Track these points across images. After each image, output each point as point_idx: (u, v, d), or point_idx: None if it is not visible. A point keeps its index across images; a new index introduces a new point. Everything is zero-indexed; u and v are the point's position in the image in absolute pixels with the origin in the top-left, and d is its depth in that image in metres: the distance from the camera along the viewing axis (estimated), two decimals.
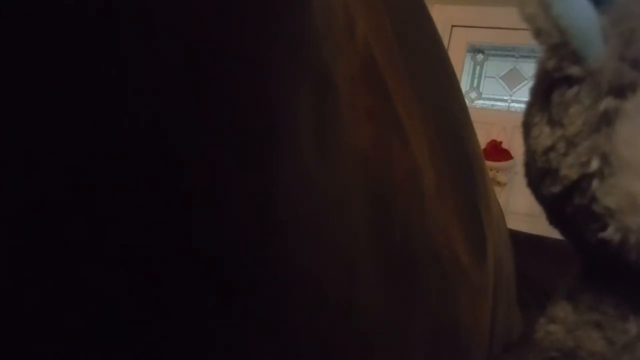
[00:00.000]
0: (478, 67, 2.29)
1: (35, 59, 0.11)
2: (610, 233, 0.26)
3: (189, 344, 0.15)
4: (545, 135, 0.28)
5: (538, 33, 0.27)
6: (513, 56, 2.20)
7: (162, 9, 0.13)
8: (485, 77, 2.28)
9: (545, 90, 0.29)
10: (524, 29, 0.27)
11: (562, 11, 0.26)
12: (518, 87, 2.19)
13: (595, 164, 0.26)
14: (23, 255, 0.12)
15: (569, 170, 0.27)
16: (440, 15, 2.10)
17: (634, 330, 0.29)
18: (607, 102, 0.26)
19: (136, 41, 0.13)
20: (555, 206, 0.30)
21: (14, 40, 0.11)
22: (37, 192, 0.12)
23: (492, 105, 2.24)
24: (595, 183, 0.26)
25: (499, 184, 2.00)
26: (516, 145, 1.98)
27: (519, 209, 1.86)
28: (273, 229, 0.17)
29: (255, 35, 0.16)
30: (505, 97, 2.22)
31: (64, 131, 0.12)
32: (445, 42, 1.71)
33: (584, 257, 0.33)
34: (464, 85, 2.26)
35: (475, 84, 2.29)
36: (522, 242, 0.90)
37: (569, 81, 0.27)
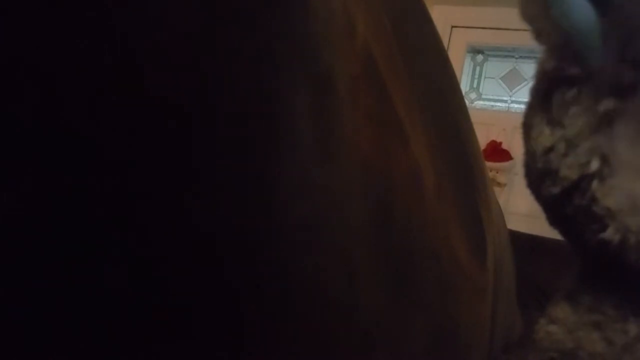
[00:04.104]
0: (478, 68, 2.29)
1: (36, 59, 0.11)
2: (610, 234, 0.26)
3: (189, 345, 0.15)
4: (545, 136, 0.28)
5: (538, 34, 0.27)
6: (513, 57, 2.20)
7: (161, 8, 0.13)
8: (485, 77, 2.29)
9: (546, 91, 0.29)
10: (524, 30, 0.28)
11: (562, 12, 0.26)
12: (518, 87, 2.19)
13: (595, 165, 0.26)
14: (23, 256, 0.12)
15: (568, 171, 0.27)
16: (440, 16, 2.10)
17: (633, 331, 0.29)
18: (607, 103, 0.26)
19: (137, 41, 0.13)
20: (555, 207, 0.30)
21: (17, 41, 0.11)
22: (38, 191, 0.12)
23: (492, 106, 2.24)
24: (595, 184, 0.26)
25: (498, 184, 2.00)
26: (516, 146, 1.98)
27: (519, 209, 1.86)
28: (273, 229, 0.17)
29: (254, 35, 0.16)
30: (505, 98, 2.22)
31: (63, 131, 0.12)
32: (445, 43, 1.71)
33: (584, 258, 0.33)
34: (464, 86, 2.26)
35: (475, 85, 2.29)
36: (522, 242, 0.90)
37: (569, 82, 0.27)
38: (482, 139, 1.99)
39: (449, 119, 0.39)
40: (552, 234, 0.33)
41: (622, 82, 0.26)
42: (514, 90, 2.20)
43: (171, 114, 0.14)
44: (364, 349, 0.22)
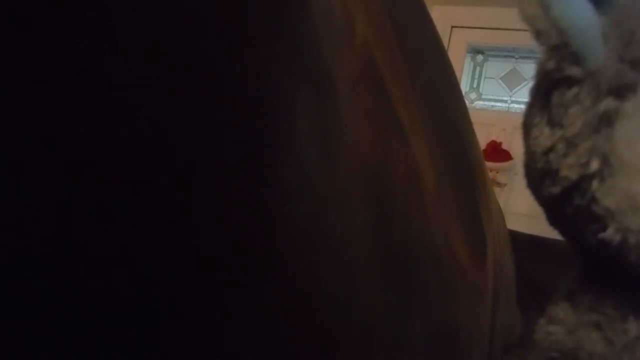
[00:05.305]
0: (478, 68, 2.29)
1: (34, 59, 0.11)
2: (610, 234, 0.26)
3: (190, 343, 0.15)
4: (545, 136, 0.28)
5: (538, 34, 0.27)
6: (513, 57, 2.20)
7: (161, 9, 0.13)
8: (485, 77, 2.28)
9: (545, 91, 0.29)
10: (524, 30, 0.27)
11: (562, 12, 0.26)
12: (518, 87, 2.19)
13: (595, 165, 0.26)
14: (23, 256, 0.12)
15: (568, 171, 0.27)
16: (440, 16, 2.10)
17: (633, 330, 0.29)
18: (607, 103, 0.26)
19: (136, 42, 0.13)
20: (555, 207, 0.30)
21: (13, 40, 0.11)
22: (38, 193, 0.12)
23: (492, 106, 2.24)
24: (595, 184, 0.26)
25: (498, 184, 2.00)
26: (516, 146, 1.97)
27: (519, 209, 1.86)
28: (273, 229, 0.17)
29: (255, 36, 0.16)
30: (505, 98, 2.22)
31: (63, 132, 0.12)
32: (445, 43, 1.71)
33: (584, 258, 0.33)
34: (464, 86, 2.26)
35: (475, 85, 2.29)
36: (522, 242, 0.90)
37: (569, 82, 0.27)
38: (482, 139, 1.99)
39: (449, 119, 0.39)
40: (552, 234, 0.33)
41: (622, 82, 0.26)
42: (514, 91, 2.20)
43: (170, 113, 0.14)
44: (364, 349, 0.22)
